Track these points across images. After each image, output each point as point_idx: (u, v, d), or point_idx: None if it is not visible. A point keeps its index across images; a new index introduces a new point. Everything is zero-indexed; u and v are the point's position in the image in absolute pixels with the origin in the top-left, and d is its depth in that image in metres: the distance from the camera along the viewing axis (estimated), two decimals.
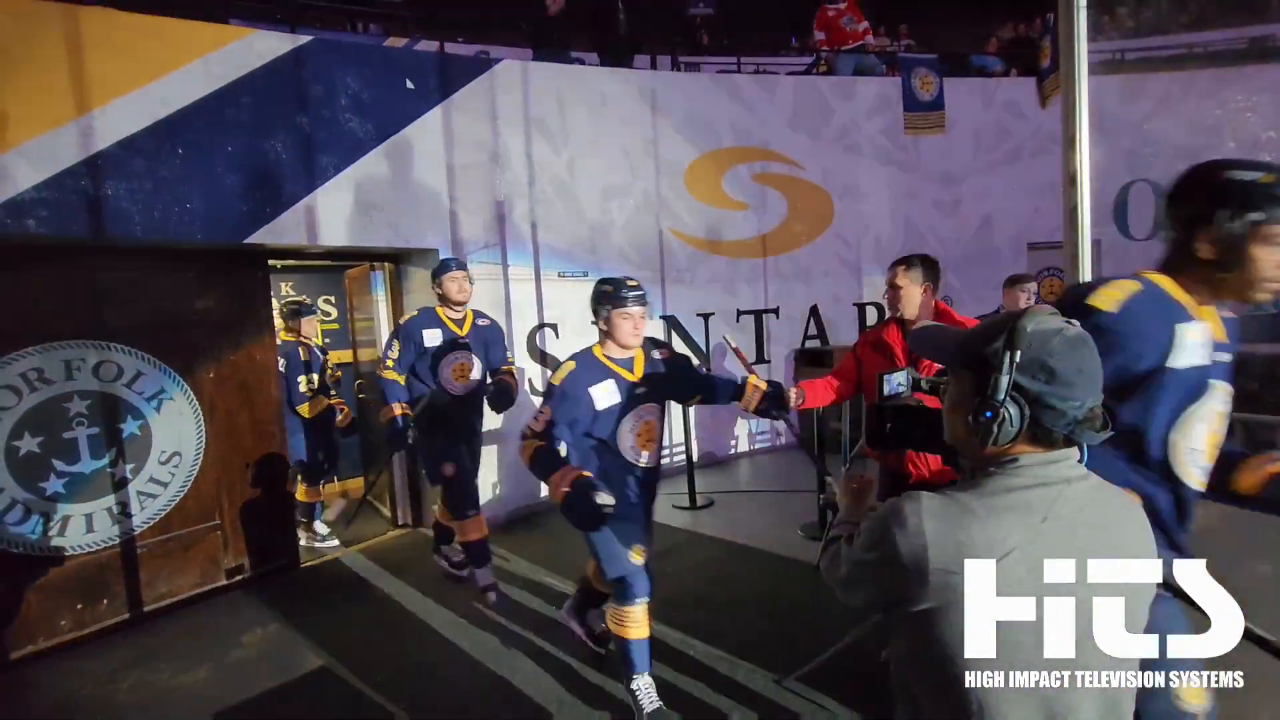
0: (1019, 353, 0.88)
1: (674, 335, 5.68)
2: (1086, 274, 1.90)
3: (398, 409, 3.37)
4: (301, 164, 3.76)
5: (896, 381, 1.34)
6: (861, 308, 6.53)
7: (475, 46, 7.07)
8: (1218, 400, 1.29)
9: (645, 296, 2.41)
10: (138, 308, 3.47)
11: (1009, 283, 4.18)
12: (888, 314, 2.54)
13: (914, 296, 2.38)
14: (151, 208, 3.24)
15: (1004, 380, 0.88)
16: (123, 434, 3.43)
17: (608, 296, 2.38)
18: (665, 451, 5.62)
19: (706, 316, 5.87)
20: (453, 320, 3.51)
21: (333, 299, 5.78)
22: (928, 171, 6.60)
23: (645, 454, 2.45)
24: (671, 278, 5.66)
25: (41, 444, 3.17)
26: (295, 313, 4.45)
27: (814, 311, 6.40)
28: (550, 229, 4.96)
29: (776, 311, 6.24)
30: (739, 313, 6.05)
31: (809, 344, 6.34)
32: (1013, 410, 0.88)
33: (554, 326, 5.03)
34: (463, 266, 3.55)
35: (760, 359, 6.20)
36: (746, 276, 6.07)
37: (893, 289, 2.43)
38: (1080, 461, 0.95)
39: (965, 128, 6.66)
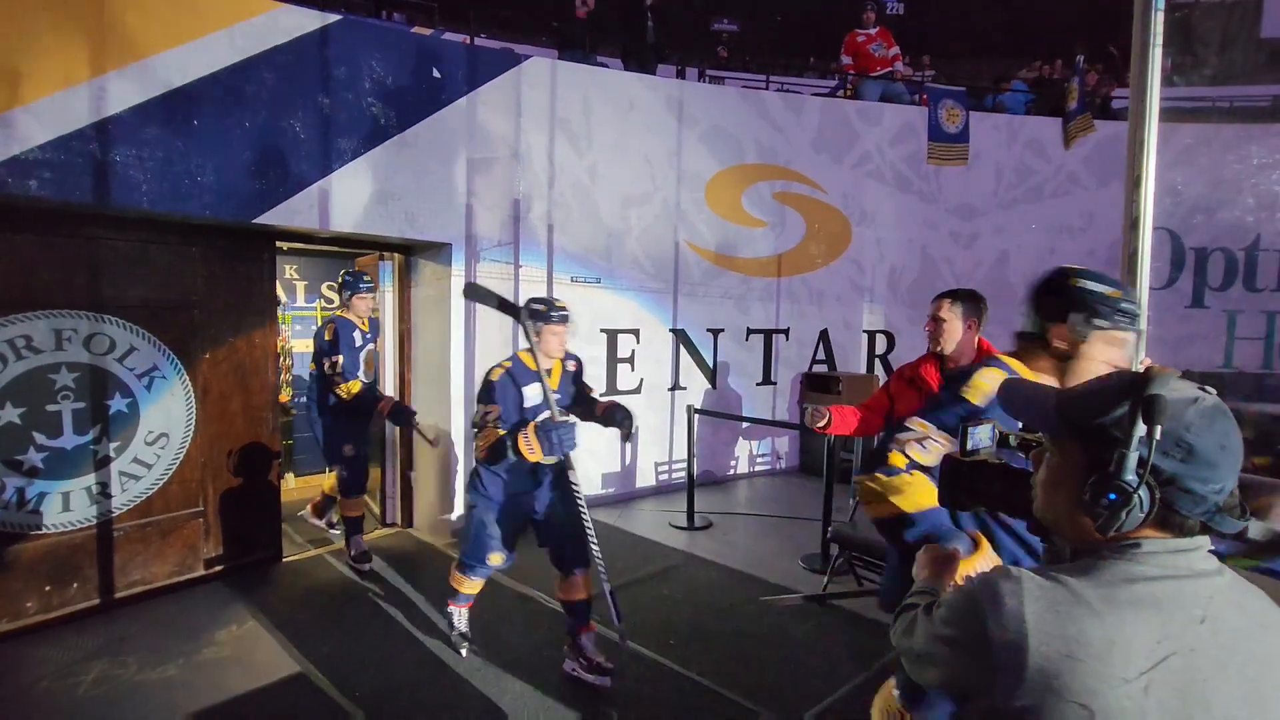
0: (1155, 425, 0.74)
1: (683, 348, 5.58)
2: (1144, 324, 1.81)
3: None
4: (319, 145, 3.64)
5: (981, 436, 1.21)
6: (872, 335, 6.43)
7: (500, 43, 6.99)
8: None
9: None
10: (137, 281, 3.33)
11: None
12: (928, 348, 2.42)
13: (955, 332, 2.26)
14: (161, 178, 3.10)
15: (1132, 457, 0.74)
16: (109, 411, 3.27)
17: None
18: (664, 468, 5.49)
19: (716, 332, 5.77)
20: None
21: (336, 285, 5.63)
22: (947, 203, 6.53)
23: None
24: (684, 291, 5.55)
25: (23, 415, 3.02)
26: (349, 284, 3.92)
27: (824, 336, 6.30)
28: (566, 232, 4.84)
29: (787, 333, 6.14)
30: (749, 331, 5.95)
31: (816, 368, 6.24)
32: (1143, 493, 0.74)
33: None
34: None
35: (767, 379, 6.09)
36: (759, 295, 5.96)
37: (935, 321, 2.31)
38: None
39: (988, 162, 6.60)
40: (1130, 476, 0.74)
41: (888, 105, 6.47)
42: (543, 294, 4.75)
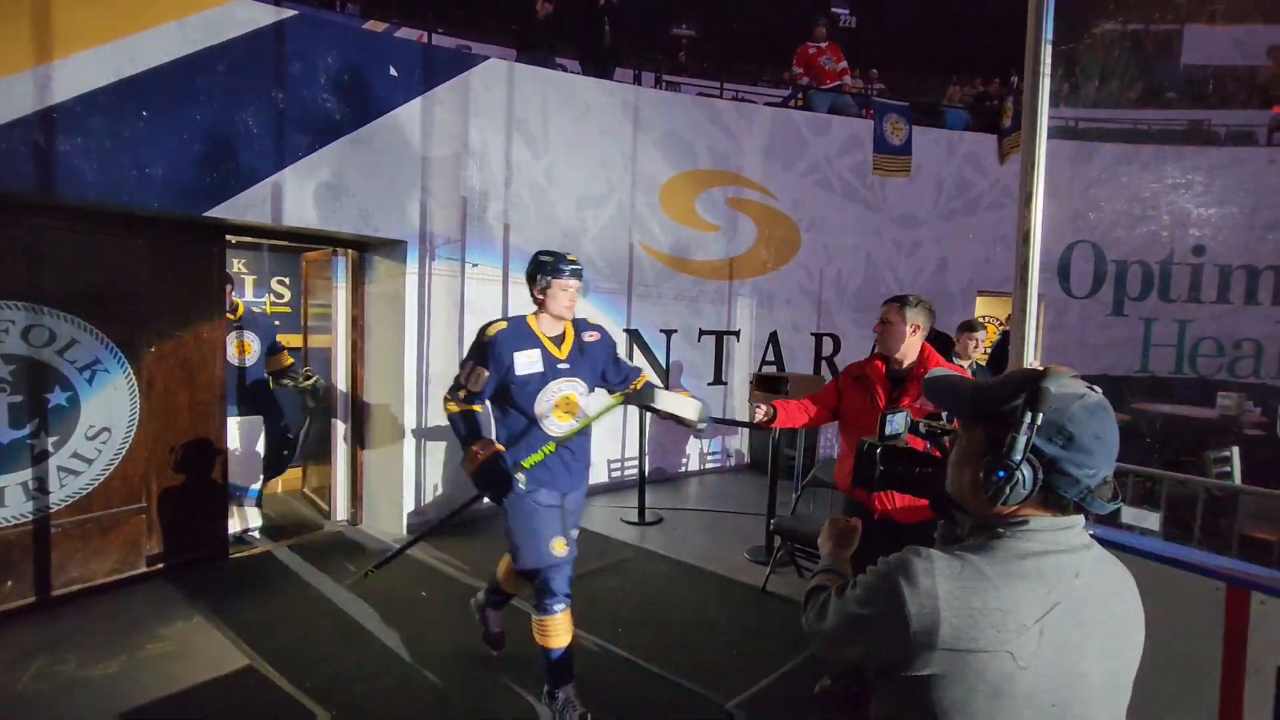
0: (1039, 414, 0.87)
1: (635, 349, 5.72)
2: (1032, 327, 2.02)
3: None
4: (272, 140, 3.64)
5: (897, 424, 1.37)
6: (819, 337, 6.71)
7: (457, 40, 7.01)
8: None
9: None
10: (80, 273, 3.28)
11: (963, 328, 4.37)
12: (875, 348, 2.61)
13: (902, 334, 2.45)
14: (107, 169, 3.07)
15: (1021, 440, 0.87)
16: (48, 404, 3.22)
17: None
18: (617, 465, 5.63)
19: (670, 333, 5.93)
20: None
21: (286, 281, 5.58)
22: (891, 213, 6.86)
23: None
24: (638, 292, 5.69)
25: None
26: None
27: (773, 338, 6.54)
28: (522, 232, 4.93)
29: (738, 334, 6.35)
30: (701, 332, 6.13)
31: (766, 368, 6.47)
32: (1026, 472, 0.87)
33: None
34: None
35: (718, 379, 6.29)
36: (711, 297, 6.16)
37: (883, 324, 2.50)
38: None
39: (929, 175, 6.96)
40: (1017, 456, 0.87)
41: (836, 117, 6.77)
42: (497, 293, 4.84)
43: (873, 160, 6.68)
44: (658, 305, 5.83)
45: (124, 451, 3.48)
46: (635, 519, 4.84)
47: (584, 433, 2.59)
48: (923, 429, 1.36)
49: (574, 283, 2.45)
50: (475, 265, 4.67)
